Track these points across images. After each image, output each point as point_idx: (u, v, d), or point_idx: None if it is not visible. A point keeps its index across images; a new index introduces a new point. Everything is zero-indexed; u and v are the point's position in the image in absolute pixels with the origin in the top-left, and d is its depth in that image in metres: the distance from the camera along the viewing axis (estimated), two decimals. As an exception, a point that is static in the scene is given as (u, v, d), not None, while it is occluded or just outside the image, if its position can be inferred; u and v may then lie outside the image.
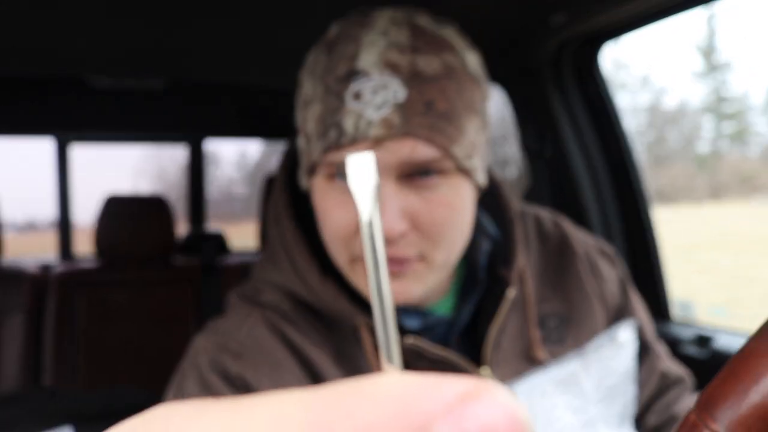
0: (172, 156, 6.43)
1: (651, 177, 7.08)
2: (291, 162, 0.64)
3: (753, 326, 0.34)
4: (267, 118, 1.84)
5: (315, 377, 0.55)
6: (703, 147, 7.38)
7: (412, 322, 0.58)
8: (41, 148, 1.98)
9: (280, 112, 1.47)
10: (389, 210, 0.50)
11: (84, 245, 1.96)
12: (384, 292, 0.16)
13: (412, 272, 0.53)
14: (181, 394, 0.54)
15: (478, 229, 0.63)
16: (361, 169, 0.17)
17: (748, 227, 6.02)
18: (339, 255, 0.55)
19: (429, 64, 0.51)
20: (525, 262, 0.64)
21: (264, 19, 1.04)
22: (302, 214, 0.62)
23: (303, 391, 0.11)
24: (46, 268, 1.63)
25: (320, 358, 0.55)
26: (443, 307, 0.62)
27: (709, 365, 1.05)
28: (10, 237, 1.55)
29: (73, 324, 1.51)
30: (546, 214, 0.71)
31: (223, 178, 7.12)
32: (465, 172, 0.53)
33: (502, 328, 0.60)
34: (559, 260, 0.67)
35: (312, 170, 0.55)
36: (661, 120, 7.72)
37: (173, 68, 1.34)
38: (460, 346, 0.60)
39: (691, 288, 4.22)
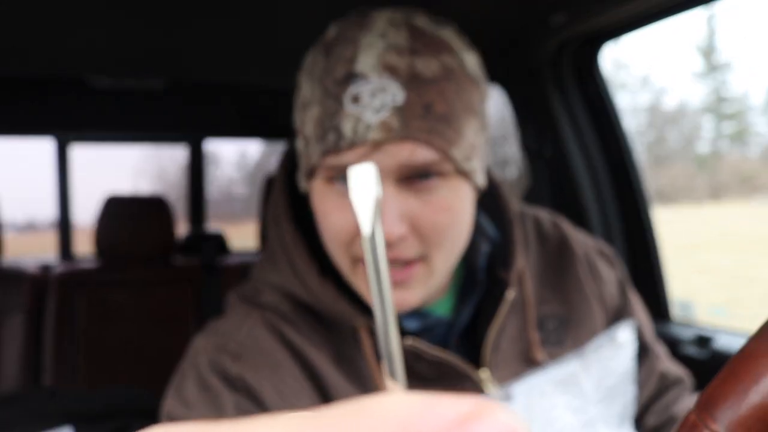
0: (172, 156, 6.44)
1: (651, 177, 7.08)
2: (290, 163, 0.64)
3: (753, 326, 0.34)
4: (267, 118, 1.84)
5: (314, 378, 0.55)
6: (703, 147, 7.39)
7: (411, 323, 0.58)
8: (41, 148, 1.98)
9: (280, 112, 1.46)
10: (389, 213, 0.50)
11: (84, 245, 1.96)
12: (386, 304, 0.16)
13: (415, 280, 0.53)
14: (181, 395, 0.53)
15: (477, 231, 0.63)
16: (363, 181, 0.17)
17: (748, 227, 6.02)
18: (339, 258, 0.55)
19: (427, 66, 0.51)
20: (524, 263, 0.64)
21: (264, 19, 1.04)
22: (302, 214, 0.62)
23: (305, 412, 0.11)
24: (46, 268, 1.63)
25: (320, 359, 0.55)
26: (441, 308, 0.62)
27: (709, 365, 1.05)
28: (10, 237, 1.55)
29: (73, 324, 1.51)
30: (545, 215, 0.71)
31: (223, 178, 7.12)
32: (464, 174, 0.53)
33: (501, 329, 0.60)
34: (558, 261, 0.67)
35: (311, 173, 0.55)
36: (661, 120, 7.72)
37: (173, 68, 1.34)
38: (460, 348, 0.60)
39: (691, 288, 4.21)
